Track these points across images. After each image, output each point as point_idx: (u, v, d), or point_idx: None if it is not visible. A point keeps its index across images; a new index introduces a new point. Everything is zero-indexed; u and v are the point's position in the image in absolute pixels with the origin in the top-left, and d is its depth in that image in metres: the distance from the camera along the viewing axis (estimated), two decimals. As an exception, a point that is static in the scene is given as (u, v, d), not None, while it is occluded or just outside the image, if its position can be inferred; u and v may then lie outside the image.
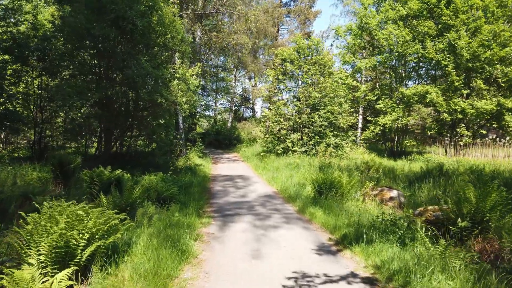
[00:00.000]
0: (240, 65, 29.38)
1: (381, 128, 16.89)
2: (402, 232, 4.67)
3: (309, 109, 14.75)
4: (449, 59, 14.52)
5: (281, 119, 14.88)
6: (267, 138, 16.10)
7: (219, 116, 33.46)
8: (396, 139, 18.05)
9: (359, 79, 20.76)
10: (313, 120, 14.48)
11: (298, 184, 9.33)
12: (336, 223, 5.59)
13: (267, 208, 7.09)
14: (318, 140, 14.55)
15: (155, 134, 10.38)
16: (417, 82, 17.69)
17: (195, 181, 9.89)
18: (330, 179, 7.80)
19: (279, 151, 14.88)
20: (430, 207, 5.65)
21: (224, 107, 33.79)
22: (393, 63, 17.94)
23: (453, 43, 14.30)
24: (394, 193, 7.79)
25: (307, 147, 14.55)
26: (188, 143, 17.15)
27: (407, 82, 17.64)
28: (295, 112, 15.00)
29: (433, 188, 7.79)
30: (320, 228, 5.85)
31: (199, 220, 5.97)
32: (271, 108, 15.75)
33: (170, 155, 11.88)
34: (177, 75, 9.10)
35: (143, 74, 8.38)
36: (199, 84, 12.70)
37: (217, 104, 33.72)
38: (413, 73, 17.40)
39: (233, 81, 31.30)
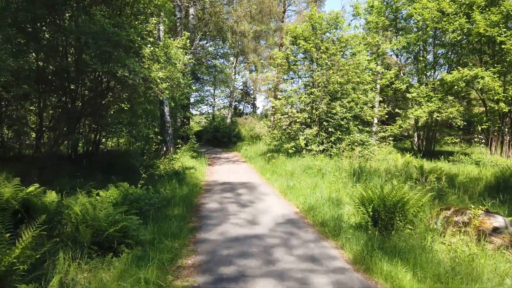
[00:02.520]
0: (240, 54, 26.29)
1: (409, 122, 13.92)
2: None
3: (329, 98, 11.70)
4: (505, 34, 11.48)
5: (293, 110, 11.82)
6: (275, 134, 13.05)
7: (217, 112, 30.50)
8: (429, 136, 15.04)
9: (379, 65, 17.69)
10: (334, 112, 11.44)
11: (329, 200, 6.31)
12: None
13: (296, 253, 4.04)
14: (340, 136, 11.52)
15: (120, 125, 7.37)
16: (450, 67, 14.58)
17: (179, 195, 6.85)
18: (392, 198, 4.77)
19: (290, 151, 11.84)
20: None
21: (224, 103, 30.83)
22: (425, 44, 14.90)
23: None
24: (498, 220, 4.76)
25: (325, 145, 11.51)
26: (178, 140, 14.11)
27: (445, 66, 14.56)
28: (311, 102, 11.97)
29: None
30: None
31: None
32: (280, 97, 12.71)
33: (151, 156, 8.84)
34: (151, 39, 6.09)
35: (94, 32, 5.33)
36: (189, 62, 9.64)
37: (216, 100, 30.83)
38: (452, 54, 14.31)
39: (233, 73, 28.23)
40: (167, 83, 6.31)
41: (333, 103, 11.64)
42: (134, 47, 6.08)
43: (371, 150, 11.96)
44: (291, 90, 12.26)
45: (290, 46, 12.78)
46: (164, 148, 11.64)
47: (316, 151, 11.27)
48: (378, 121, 14.32)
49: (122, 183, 6.03)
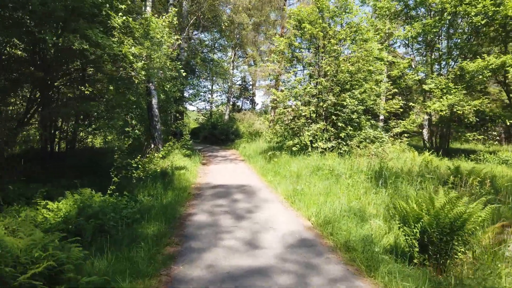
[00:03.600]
0: (239, 47, 24.82)
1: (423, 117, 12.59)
2: None
3: (338, 88, 10.32)
4: (538, 17, 10.13)
5: (298, 103, 10.42)
6: (277, 130, 11.66)
7: (215, 109, 29.12)
8: (444, 132, 13.72)
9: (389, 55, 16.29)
10: (344, 104, 10.06)
11: (350, 210, 4.96)
12: None
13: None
14: (351, 132, 10.15)
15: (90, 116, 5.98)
16: (465, 58, 13.17)
17: (161, 203, 5.49)
18: (448, 215, 3.42)
19: (294, 148, 10.48)
20: None
21: (222, 99, 29.43)
22: (441, 31, 13.53)
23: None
24: None
25: (333, 142, 10.14)
26: (170, 137, 12.74)
27: (461, 56, 13.16)
28: (318, 93, 10.58)
29: None
30: None
31: None
32: (283, 88, 11.32)
33: (123, 154, 7.46)
34: (123, 6, 4.69)
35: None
36: (175, 42, 8.23)
37: (214, 96, 29.47)
38: (472, 42, 12.92)
39: (231, 68, 26.77)
40: (143, 62, 4.93)
41: (342, 94, 10.26)
42: (100, 15, 4.69)
43: (383, 148, 10.63)
44: (295, 80, 10.86)
45: (293, 31, 11.36)
46: (152, 146, 10.25)
47: (323, 148, 9.90)
48: (384, 115, 12.96)
49: (85, 189, 4.66)
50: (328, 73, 10.37)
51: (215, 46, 21.82)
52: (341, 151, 9.86)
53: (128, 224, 4.28)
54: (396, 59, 14.00)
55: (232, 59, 26.69)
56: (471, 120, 12.01)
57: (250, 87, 34.50)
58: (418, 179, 6.25)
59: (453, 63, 13.36)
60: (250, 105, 35.25)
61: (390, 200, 5.13)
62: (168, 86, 13.00)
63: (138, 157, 5.93)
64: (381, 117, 15.88)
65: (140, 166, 5.82)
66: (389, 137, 10.92)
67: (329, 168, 7.50)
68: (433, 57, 14.57)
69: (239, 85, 33.44)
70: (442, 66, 13.76)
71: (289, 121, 11.29)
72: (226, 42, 20.75)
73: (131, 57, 4.66)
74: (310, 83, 10.66)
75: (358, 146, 9.84)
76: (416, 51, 14.92)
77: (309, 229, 4.63)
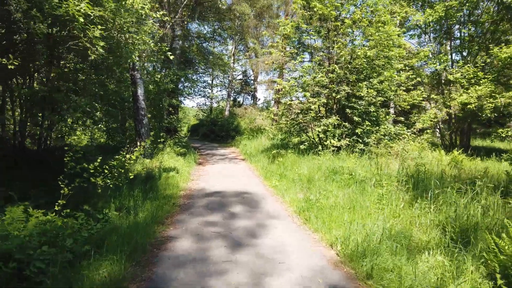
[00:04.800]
0: (239, 39, 23.25)
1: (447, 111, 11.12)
2: None
3: (354, 77, 8.85)
4: None
5: (307, 94, 8.95)
6: (282, 125, 10.21)
7: (215, 105, 27.78)
8: (465, 128, 12.27)
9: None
10: (361, 95, 8.60)
11: (391, 236, 3.54)
12: None
13: None
14: (369, 128, 8.71)
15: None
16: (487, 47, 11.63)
17: (130, 223, 4.08)
18: None
19: (302, 147, 9.06)
20: None
21: (222, 95, 28.07)
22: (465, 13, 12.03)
23: None
24: None
25: (347, 139, 8.70)
26: (162, 134, 11.37)
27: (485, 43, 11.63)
28: (329, 83, 9.13)
29: None
30: None
31: None
32: (289, 78, 9.87)
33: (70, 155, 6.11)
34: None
35: None
36: (160, 18, 6.77)
37: (213, 91, 28.12)
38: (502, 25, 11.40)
39: (231, 61, 25.27)
40: (100, 28, 3.53)
41: (359, 83, 8.80)
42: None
43: (404, 146, 9.21)
44: (303, 68, 9.38)
45: (301, 12, 9.86)
46: (138, 143, 8.85)
47: (335, 147, 8.48)
48: (405, 108, 11.46)
49: (15, 207, 3.27)
50: (342, 60, 8.91)
51: (214, 37, 20.27)
52: (357, 150, 8.43)
53: (70, 262, 2.87)
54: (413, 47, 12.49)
55: (232, 52, 25.24)
56: (489, 115, 10.57)
57: (252, 82, 33.03)
58: (466, 186, 4.82)
59: (478, 50, 11.85)
60: (252, 101, 33.79)
61: (445, 219, 3.71)
62: (159, 76, 11.60)
63: (130, 157, 4.54)
64: (392, 111, 14.42)
65: (107, 170, 4.41)
66: (411, 134, 9.48)
67: (348, 172, 6.07)
68: (452, 45, 13.09)
69: (240, 79, 32.00)
70: (464, 55, 12.25)
71: (296, 115, 9.84)
72: (226, 34, 19.19)
73: (81, 19, 3.25)
74: (320, 72, 9.20)
75: (378, 144, 8.42)
76: (433, 39, 13.40)
77: (336, 266, 3.22)
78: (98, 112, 7.66)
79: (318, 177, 6.28)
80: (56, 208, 3.64)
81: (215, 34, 19.45)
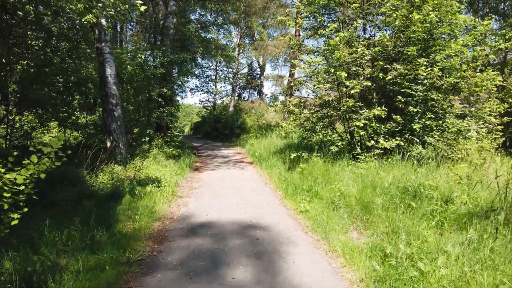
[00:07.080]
0: (244, 25, 20.64)
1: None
2: None
3: (412, 50, 6.19)
4: None
5: (343, 74, 6.32)
6: (302, 119, 7.59)
7: (219, 101, 25.51)
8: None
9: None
10: (421, 75, 5.96)
11: None
12: None
13: None
14: (430, 122, 6.08)
15: None
16: None
17: None
18: None
19: (333, 148, 6.43)
20: None
21: (226, 90, 25.76)
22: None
23: None
24: None
25: (399, 138, 6.07)
26: (148, 131, 8.96)
27: None
28: (372, 60, 6.55)
29: None
30: None
31: None
32: (316, 53, 7.25)
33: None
34: None
35: None
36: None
37: (217, 87, 25.83)
38: None
39: (236, 53, 22.72)
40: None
41: (416, 60, 6.17)
42: None
43: (465, 147, 6.63)
44: (334, 40, 6.73)
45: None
46: (108, 145, 6.37)
47: (383, 149, 5.89)
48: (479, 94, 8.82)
49: None
50: (395, 26, 6.31)
51: (216, 21, 17.60)
52: (413, 154, 5.85)
53: None
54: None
55: (237, 43, 22.76)
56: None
57: (258, 76, 30.44)
58: None
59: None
60: (258, 96, 31.27)
61: None
62: (143, 57, 9.09)
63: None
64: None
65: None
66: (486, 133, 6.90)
67: (441, 197, 3.49)
68: None
69: (245, 73, 29.46)
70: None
71: (321, 106, 7.22)
72: (232, 15, 16.53)
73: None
74: (360, 44, 6.59)
75: (450, 147, 5.84)
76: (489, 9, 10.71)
77: None
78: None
79: (382, 203, 3.72)
80: None
81: (217, 18, 16.85)
